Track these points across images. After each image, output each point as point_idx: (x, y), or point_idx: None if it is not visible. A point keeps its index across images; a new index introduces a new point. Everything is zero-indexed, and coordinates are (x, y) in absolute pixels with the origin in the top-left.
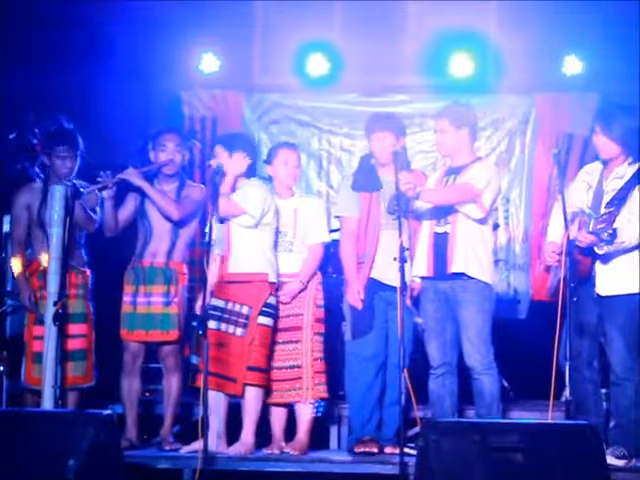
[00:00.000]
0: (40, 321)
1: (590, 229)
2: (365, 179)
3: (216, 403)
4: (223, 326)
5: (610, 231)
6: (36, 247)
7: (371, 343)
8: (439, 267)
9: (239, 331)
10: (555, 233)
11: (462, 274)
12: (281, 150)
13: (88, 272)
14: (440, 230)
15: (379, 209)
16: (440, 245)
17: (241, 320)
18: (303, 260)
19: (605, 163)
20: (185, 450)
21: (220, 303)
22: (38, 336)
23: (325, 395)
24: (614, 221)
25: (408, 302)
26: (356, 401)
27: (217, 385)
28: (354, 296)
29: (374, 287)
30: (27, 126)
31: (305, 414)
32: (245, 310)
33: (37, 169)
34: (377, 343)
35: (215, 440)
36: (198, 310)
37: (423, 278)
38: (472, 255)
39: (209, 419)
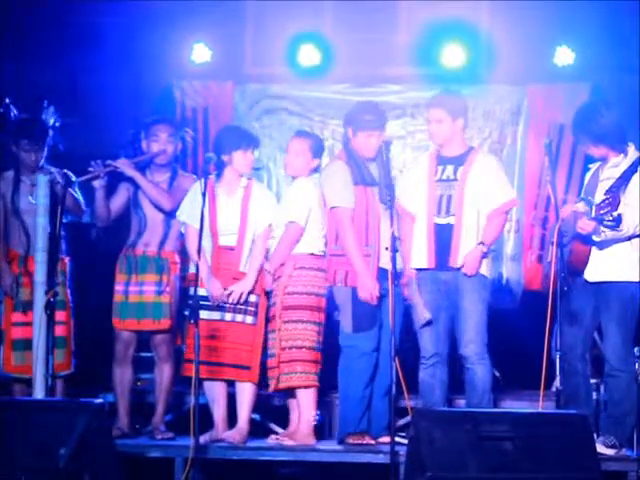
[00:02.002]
0: (20, 308)
1: (592, 215)
2: (359, 172)
3: (218, 392)
4: (228, 316)
5: (615, 215)
6: (12, 235)
7: (373, 337)
8: (441, 259)
9: (249, 319)
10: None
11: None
12: (290, 141)
13: (67, 260)
14: (442, 221)
15: (375, 200)
16: (443, 237)
17: (250, 309)
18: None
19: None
20: (203, 440)
21: None
22: (18, 323)
23: (292, 384)
24: (617, 206)
25: (414, 295)
26: (353, 396)
27: (218, 374)
28: (370, 292)
29: (383, 277)
30: None
31: (302, 404)
32: (254, 298)
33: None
34: (377, 337)
35: (222, 430)
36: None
37: (421, 270)
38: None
39: (213, 409)
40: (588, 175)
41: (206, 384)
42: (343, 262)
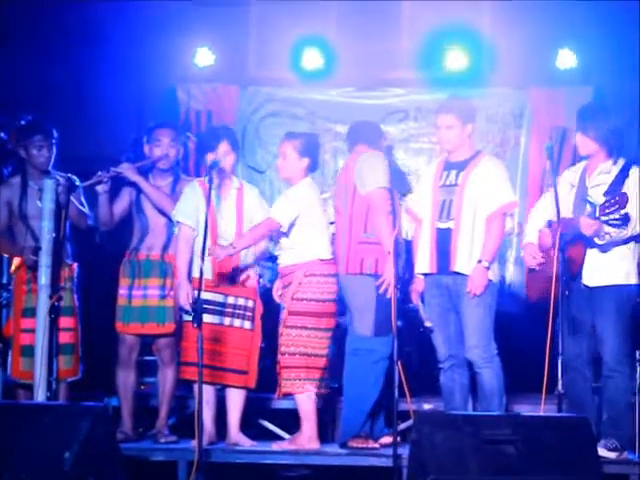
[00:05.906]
0: (28, 314)
1: (597, 215)
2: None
3: (208, 396)
4: (227, 320)
5: (622, 213)
6: (19, 241)
7: (390, 343)
8: (442, 263)
9: (247, 324)
10: (533, 234)
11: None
12: (279, 145)
13: (75, 265)
14: (443, 226)
15: (398, 202)
16: (443, 241)
17: (248, 313)
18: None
19: (587, 158)
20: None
21: (218, 297)
22: (26, 329)
23: (288, 391)
24: (625, 204)
25: (417, 302)
26: (364, 399)
27: (216, 378)
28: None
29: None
30: None
31: (300, 409)
32: (251, 304)
33: (9, 167)
34: (392, 343)
35: (211, 433)
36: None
37: (426, 275)
38: (476, 254)
39: (203, 412)
40: (570, 173)
41: (205, 388)
42: (373, 250)
